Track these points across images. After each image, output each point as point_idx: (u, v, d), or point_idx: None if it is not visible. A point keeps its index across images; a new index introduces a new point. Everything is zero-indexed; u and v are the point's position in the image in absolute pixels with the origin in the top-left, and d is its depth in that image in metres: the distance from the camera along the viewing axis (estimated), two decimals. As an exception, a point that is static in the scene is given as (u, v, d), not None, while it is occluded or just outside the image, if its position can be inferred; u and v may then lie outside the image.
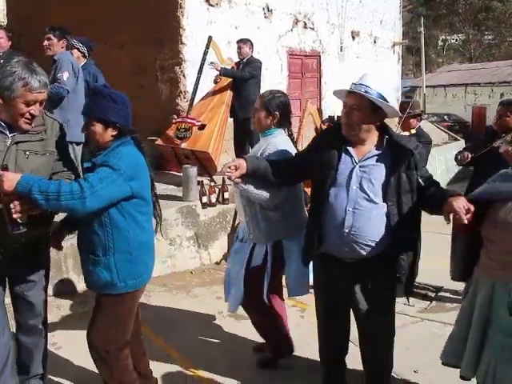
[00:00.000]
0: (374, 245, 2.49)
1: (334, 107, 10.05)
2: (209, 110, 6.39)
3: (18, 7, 9.09)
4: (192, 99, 6.40)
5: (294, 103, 10.38)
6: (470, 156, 4.38)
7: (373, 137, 2.55)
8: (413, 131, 4.89)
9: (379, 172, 2.49)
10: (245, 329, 3.61)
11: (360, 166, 2.50)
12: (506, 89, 23.53)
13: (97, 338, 2.54)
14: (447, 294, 4.63)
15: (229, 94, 6.46)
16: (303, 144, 8.18)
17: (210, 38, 6.33)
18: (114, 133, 2.45)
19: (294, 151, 2.99)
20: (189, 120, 6.29)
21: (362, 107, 2.46)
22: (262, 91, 6.67)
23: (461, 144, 13.35)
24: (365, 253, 2.51)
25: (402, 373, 3.19)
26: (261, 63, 6.60)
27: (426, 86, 26.69)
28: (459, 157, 4.53)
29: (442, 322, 3.92)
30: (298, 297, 4.49)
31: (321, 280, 2.76)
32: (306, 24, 10.31)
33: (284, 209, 2.97)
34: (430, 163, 10.05)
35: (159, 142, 6.50)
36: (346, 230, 2.48)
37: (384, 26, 13.27)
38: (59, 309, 4.19)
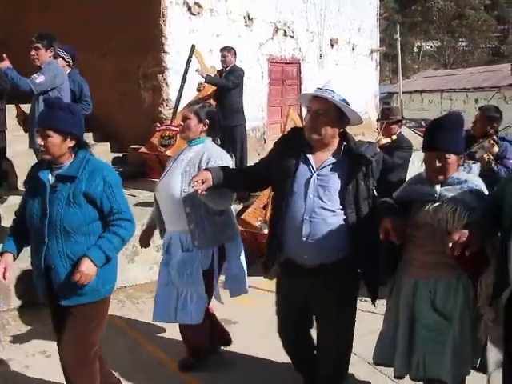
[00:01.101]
0: (333, 251, 2.52)
1: (314, 114, 10.17)
2: (193, 118, 6.43)
3: (1, 15, 9.05)
4: (176, 107, 6.45)
5: (275, 110, 10.56)
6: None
7: (334, 143, 2.57)
8: (394, 137, 5.01)
9: (337, 180, 2.50)
10: (236, 333, 3.66)
11: (318, 175, 2.52)
12: (480, 94, 24.02)
13: (78, 345, 2.53)
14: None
15: (212, 103, 6.51)
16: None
17: (193, 47, 6.39)
18: (71, 144, 2.50)
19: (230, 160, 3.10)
20: (173, 128, 6.33)
21: (328, 112, 2.48)
22: (244, 99, 6.84)
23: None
24: (324, 260, 2.53)
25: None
26: (243, 72, 6.68)
27: (403, 92, 27.02)
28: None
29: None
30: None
31: (283, 286, 2.77)
32: (285, 32, 10.45)
33: (227, 212, 3.13)
34: (410, 168, 10.26)
35: (143, 149, 6.53)
36: (304, 239, 2.50)
37: (362, 33, 13.49)
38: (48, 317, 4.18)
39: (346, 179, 2.49)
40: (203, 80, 6.42)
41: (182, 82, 6.37)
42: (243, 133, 6.80)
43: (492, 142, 4.20)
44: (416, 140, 15.02)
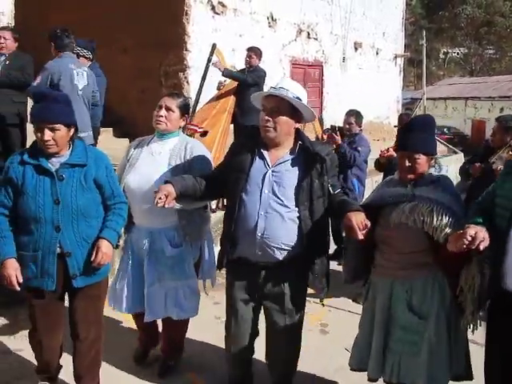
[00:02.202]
0: (286, 248, 2.54)
1: (335, 117, 10.12)
2: (211, 117, 6.43)
3: (23, 9, 9.17)
4: (195, 106, 6.44)
5: (295, 112, 10.48)
6: (480, 166, 4.36)
7: (289, 141, 2.60)
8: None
9: (291, 177, 2.54)
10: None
11: (273, 171, 2.55)
12: (505, 103, 23.66)
13: (96, 322, 2.75)
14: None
15: (231, 101, 6.50)
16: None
17: (214, 46, 6.37)
18: (71, 133, 2.57)
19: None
20: (191, 126, 6.31)
21: (283, 109, 2.51)
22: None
23: (460, 157, 13.40)
24: (277, 256, 2.55)
25: None
26: (265, 73, 6.65)
27: (427, 99, 26.74)
28: (470, 170, 4.51)
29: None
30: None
31: (234, 283, 2.74)
32: (309, 34, 10.42)
33: (208, 207, 3.18)
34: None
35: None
36: (259, 234, 2.52)
37: (386, 38, 13.38)
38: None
39: (301, 176, 2.53)
40: (222, 78, 6.41)
41: (201, 81, 6.36)
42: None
43: (511, 152, 4.11)
44: (438, 148, 14.89)
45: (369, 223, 2.33)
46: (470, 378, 2.55)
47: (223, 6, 8.32)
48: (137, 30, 8.00)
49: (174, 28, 7.78)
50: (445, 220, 2.34)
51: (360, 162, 5.02)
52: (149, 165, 2.91)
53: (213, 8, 8.15)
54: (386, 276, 2.56)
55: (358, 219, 2.32)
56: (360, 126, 5.20)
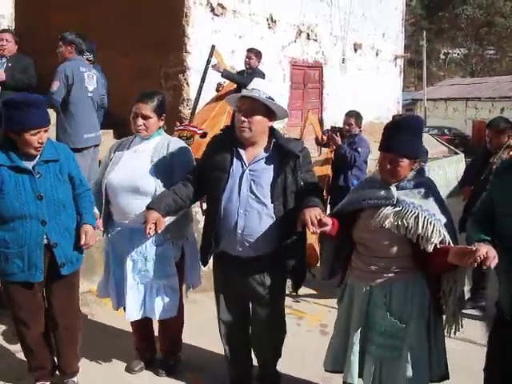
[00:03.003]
0: (265, 243, 2.66)
1: (335, 118, 10.13)
2: (211, 118, 6.44)
3: (24, 11, 9.19)
4: (194, 107, 6.46)
5: (296, 113, 10.54)
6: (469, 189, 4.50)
7: (264, 139, 2.71)
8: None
9: (268, 175, 2.65)
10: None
11: (250, 170, 2.66)
12: (506, 104, 23.65)
13: (76, 307, 2.97)
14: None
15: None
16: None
17: (213, 47, 6.39)
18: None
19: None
20: (191, 128, 6.32)
21: (257, 110, 2.61)
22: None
23: (460, 158, 13.41)
24: (257, 251, 2.68)
25: None
26: (264, 75, 6.66)
27: (427, 99, 26.83)
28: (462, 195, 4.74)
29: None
30: (294, 305, 4.57)
31: (219, 277, 2.90)
32: (309, 35, 10.43)
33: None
34: (429, 176, 10.11)
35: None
36: (239, 231, 2.64)
37: (386, 38, 13.39)
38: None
39: (276, 173, 2.63)
40: (221, 78, 6.42)
41: (201, 82, 6.37)
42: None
43: (511, 152, 4.12)
44: (439, 148, 14.89)
45: (327, 219, 2.36)
46: (447, 377, 2.52)
47: (223, 7, 8.33)
48: (137, 32, 8.01)
49: (174, 30, 7.79)
50: (430, 228, 2.27)
51: (360, 162, 5.03)
52: (131, 163, 2.94)
53: (212, 10, 8.16)
54: (363, 280, 2.49)
55: (312, 214, 2.37)
56: (360, 127, 5.21)
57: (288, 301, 4.64)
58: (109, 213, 3.03)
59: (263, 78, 6.58)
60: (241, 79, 6.41)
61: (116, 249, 3.04)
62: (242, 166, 2.67)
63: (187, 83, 7.91)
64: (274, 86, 2.80)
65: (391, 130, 2.42)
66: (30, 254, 2.66)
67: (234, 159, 2.67)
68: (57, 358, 3.01)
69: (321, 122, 10.44)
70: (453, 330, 2.44)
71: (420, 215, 2.30)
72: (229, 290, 2.87)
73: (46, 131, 2.62)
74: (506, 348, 2.25)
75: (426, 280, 2.40)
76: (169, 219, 2.86)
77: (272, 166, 2.65)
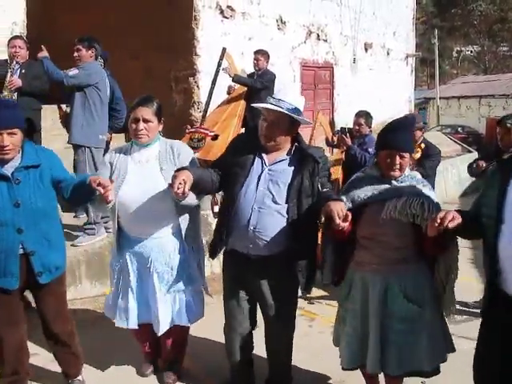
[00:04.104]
0: (276, 242, 2.67)
1: (346, 119, 10.10)
2: (222, 121, 6.46)
3: (36, 18, 9.31)
4: (206, 110, 6.48)
5: (306, 114, 10.40)
6: (484, 164, 4.37)
7: (287, 144, 2.76)
8: (422, 145, 4.87)
9: (286, 176, 2.68)
10: (256, 337, 3.62)
11: (269, 170, 2.70)
12: (520, 101, 23.39)
13: (66, 314, 2.95)
14: (457, 306, 4.62)
15: (242, 105, 6.52)
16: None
17: (223, 50, 6.41)
18: (22, 137, 2.65)
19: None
20: (202, 130, 6.36)
21: (282, 122, 2.64)
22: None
23: (474, 156, 13.27)
24: (268, 250, 2.70)
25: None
26: (275, 76, 6.67)
27: (440, 98, 26.62)
28: (474, 165, 4.55)
29: (452, 334, 3.92)
30: (306, 306, 4.56)
31: (228, 275, 2.93)
32: (319, 36, 10.41)
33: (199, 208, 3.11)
34: (442, 175, 10.03)
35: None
36: (251, 228, 2.67)
37: (397, 37, 13.32)
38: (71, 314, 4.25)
39: (294, 175, 2.68)
40: (231, 81, 6.44)
41: (212, 85, 6.39)
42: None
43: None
44: (452, 147, 14.75)
45: (349, 214, 2.40)
46: (454, 349, 2.74)
47: (232, 9, 8.36)
48: (146, 35, 8.07)
49: (184, 33, 7.83)
50: (433, 213, 2.41)
51: (371, 162, 4.99)
52: (140, 175, 2.84)
53: (221, 12, 8.19)
54: (377, 272, 2.62)
55: (338, 207, 2.39)
56: (370, 127, 5.18)
57: (300, 302, 4.64)
58: (121, 230, 2.95)
59: (273, 79, 6.60)
60: (251, 82, 6.42)
61: (135, 264, 2.96)
62: (262, 166, 2.71)
63: (197, 86, 7.95)
64: (298, 93, 2.81)
65: (393, 130, 2.62)
66: (5, 261, 2.61)
67: (256, 159, 2.73)
68: (58, 363, 3.06)
69: (332, 122, 10.42)
70: (450, 312, 2.66)
71: (424, 202, 2.50)
72: (238, 288, 2.88)
73: (10, 134, 2.52)
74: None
75: (429, 267, 2.63)
76: (190, 223, 2.90)
77: (291, 168, 2.70)
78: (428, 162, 4.75)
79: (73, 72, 4.70)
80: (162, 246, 2.89)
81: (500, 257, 2.18)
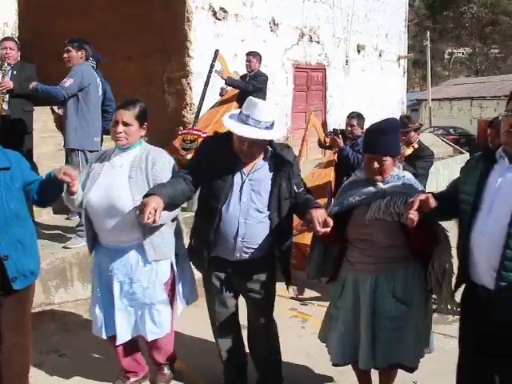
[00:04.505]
0: (261, 248, 2.74)
1: (339, 120, 10.13)
2: (214, 123, 6.46)
3: (28, 19, 9.28)
4: (198, 111, 6.49)
5: (299, 116, 10.54)
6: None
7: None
8: (415, 145, 4.91)
9: (266, 183, 2.70)
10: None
11: (249, 179, 2.69)
12: None
13: (27, 325, 2.70)
14: (448, 306, 4.63)
15: (234, 107, 6.52)
16: (308, 156, 8.24)
17: (216, 52, 6.41)
18: None
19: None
20: (195, 132, 6.36)
21: (262, 141, 2.63)
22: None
23: (466, 157, 13.34)
24: (254, 256, 2.75)
25: (402, 384, 3.21)
26: (267, 77, 6.68)
27: (432, 99, 26.75)
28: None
29: (443, 334, 3.93)
30: (299, 308, 4.57)
31: (212, 278, 2.89)
32: (311, 37, 10.43)
33: (177, 218, 2.98)
34: (435, 176, 10.06)
35: (165, 152, 6.57)
36: (240, 239, 2.69)
37: (389, 39, 13.37)
38: (63, 316, 4.24)
39: (273, 181, 2.70)
40: (224, 83, 6.44)
41: (204, 87, 6.40)
42: (264, 138, 6.78)
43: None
44: (444, 148, 14.84)
45: (330, 220, 2.45)
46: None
47: (225, 11, 8.36)
48: (139, 37, 8.05)
49: (176, 34, 7.82)
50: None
51: (363, 164, 5.01)
52: (109, 179, 2.74)
53: (214, 14, 8.18)
54: (367, 272, 2.66)
55: (318, 214, 2.47)
56: (362, 128, 5.19)
57: (293, 303, 4.66)
58: (93, 232, 2.85)
59: (266, 80, 6.61)
60: (244, 85, 6.43)
61: (102, 271, 2.86)
62: (242, 176, 2.69)
63: (190, 87, 7.93)
64: (274, 105, 2.75)
65: (374, 133, 2.65)
66: None
67: (235, 169, 2.69)
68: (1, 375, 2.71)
69: (324, 124, 10.45)
70: (449, 310, 2.65)
71: (408, 199, 2.46)
72: (223, 291, 2.89)
73: None
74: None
75: (422, 266, 2.62)
76: (157, 236, 2.75)
77: (269, 174, 2.72)
78: (420, 162, 4.77)
79: (68, 83, 4.69)
80: (125, 257, 2.77)
81: (471, 244, 2.24)
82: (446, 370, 2.69)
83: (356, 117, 5.13)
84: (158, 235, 2.77)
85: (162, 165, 2.76)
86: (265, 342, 3.03)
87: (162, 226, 2.75)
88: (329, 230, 2.46)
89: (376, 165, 2.56)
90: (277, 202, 2.70)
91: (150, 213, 2.34)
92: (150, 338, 2.87)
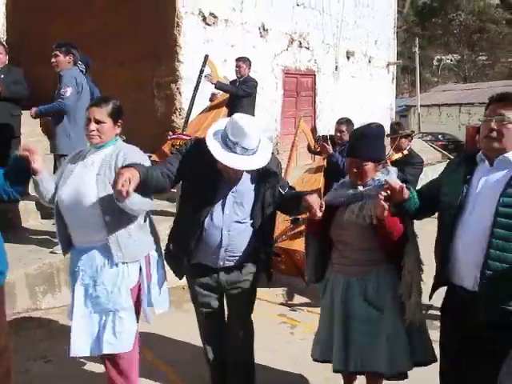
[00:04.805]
0: (245, 255, 2.77)
1: (328, 126, 10.17)
2: (204, 128, 6.44)
3: (17, 22, 9.23)
4: (187, 116, 6.47)
5: (288, 121, 10.56)
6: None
7: None
8: (405, 152, 4.95)
9: (249, 195, 2.70)
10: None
11: (232, 192, 2.68)
12: (499, 109, 23.75)
13: (4, 335, 2.57)
14: (436, 312, 4.65)
15: (224, 112, 6.52)
16: (297, 162, 8.25)
17: (206, 57, 6.41)
18: None
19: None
20: (184, 137, 6.34)
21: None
22: (258, 109, 6.84)
23: (454, 163, 13.43)
24: (237, 262, 2.78)
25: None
26: (257, 83, 6.69)
27: (421, 106, 26.94)
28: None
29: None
30: (289, 314, 4.56)
31: (196, 284, 2.90)
32: (301, 43, 10.47)
33: (150, 217, 2.84)
34: (424, 182, 10.13)
35: (154, 157, 6.53)
36: (223, 249, 2.71)
37: (379, 46, 13.47)
38: (50, 322, 4.20)
39: (255, 192, 2.71)
40: (214, 88, 6.44)
41: (194, 92, 6.39)
42: (254, 143, 6.78)
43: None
44: (433, 154, 14.94)
45: (324, 203, 2.53)
46: (435, 359, 2.67)
47: (214, 16, 8.37)
48: (129, 42, 8.04)
49: (166, 39, 7.81)
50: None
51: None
52: (79, 177, 2.64)
53: (204, 19, 8.19)
54: (341, 273, 2.70)
55: (314, 199, 2.52)
56: (351, 134, 5.22)
57: (282, 309, 4.65)
58: (65, 233, 2.72)
59: (255, 86, 6.62)
60: (234, 90, 6.44)
61: (72, 271, 2.73)
62: (225, 188, 2.66)
63: (179, 92, 7.92)
64: (258, 124, 2.60)
65: (356, 138, 2.69)
66: None
67: (218, 180, 2.65)
68: None
69: (314, 129, 10.47)
70: (412, 318, 2.58)
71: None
72: (208, 296, 2.89)
73: None
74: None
75: (396, 271, 2.58)
76: (124, 235, 2.60)
77: (253, 185, 2.71)
78: (410, 169, 4.81)
79: (69, 92, 4.72)
80: (91, 258, 2.62)
81: (453, 245, 2.29)
82: (434, 376, 2.68)
83: (345, 123, 5.15)
84: (125, 235, 2.60)
85: (135, 160, 2.57)
86: (242, 343, 3.00)
87: (129, 224, 2.62)
88: (320, 215, 2.52)
89: (355, 169, 2.61)
90: (260, 210, 2.72)
91: (124, 181, 2.23)
92: (105, 349, 2.57)
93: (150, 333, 4.03)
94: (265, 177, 2.71)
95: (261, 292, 4.24)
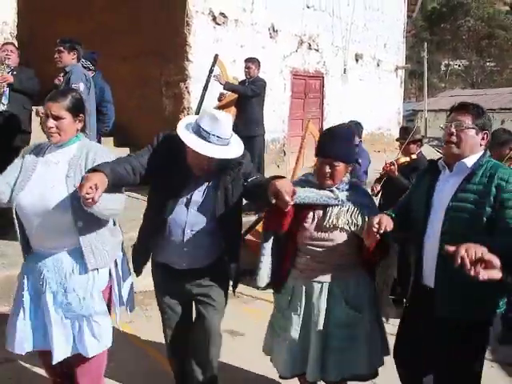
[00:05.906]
0: (209, 256, 2.70)
1: (335, 128, 10.13)
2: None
3: (25, 21, 9.26)
4: (196, 115, 6.48)
5: (296, 123, 10.55)
6: None
7: None
8: (413, 156, 4.91)
9: (214, 193, 2.61)
10: (240, 345, 3.61)
11: (198, 190, 2.63)
12: (506, 115, 23.71)
13: None
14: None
15: (233, 112, 6.53)
16: (304, 163, 8.23)
17: (216, 57, 6.42)
18: None
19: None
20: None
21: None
22: (266, 110, 6.82)
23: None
24: (201, 263, 2.70)
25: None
26: (265, 83, 6.69)
27: (428, 110, 26.87)
28: None
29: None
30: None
31: (161, 286, 2.86)
32: (310, 45, 10.46)
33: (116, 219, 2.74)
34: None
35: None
36: (185, 249, 2.64)
37: (388, 49, 13.43)
38: None
39: (221, 190, 2.61)
40: (222, 88, 6.44)
41: (203, 91, 6.40)
42: (261, 144, 6.80)
43: None
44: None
45: (296, 190, 2.30)
46: (388, 353, 2.80)
47: (224, 16, 8.37)
48: (138, 40, 8.06)
49: (175, 38, 7.82)
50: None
51: (360, 173, 5.02)
52: (43, 178, 2.46)
53: (214, 19, 8.20)
54: (319, 279, 2.64)
55: (284, 184, 2.28)
56: (360, 137, 5.20)
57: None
58: (25, 237, 2.56)
59: (264, 86, 6.63)
60: (243, 90, 6.44)
61: (32, 280, 2.55)
62: (191, 187, 2.62)
63: (188, 91, 7.93)
64: (221, 113, 2.57)
65: (328, 138, 2.64)
66: None
67: (186, 177, 2.60)
68: None
69: (321, 131, 10.44)
70: (387, 316, 2.76)
71: (365, 212, 2.56)
72: (173, 299, 2.84)
73: None
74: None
75: (370, 273, 2.69)
76: (97, 240, 2.50)
77: (217, 183, 2.61)
78: (415, 174, 4.77)
79: (81, 88, 4.66)
80: (58, 264, 2.48)
81: (424, 252, 2.46)
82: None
83: (354, 126, 5.13)
84: (98, 240, 2.50)
85: (104, 160, 2.47)
86: (207, 346, 2.82)
87: (101, 228, 2.53)
88: (291, 202, 2.28)
89: (328, 169, 2.55)
90: (224, 207, 2.60)
91: (90, 187, 2.13)
92: (90, 353, 2.52)
93: (156, 331, 4.03)
94: (226, 169, 2.60)
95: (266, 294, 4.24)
